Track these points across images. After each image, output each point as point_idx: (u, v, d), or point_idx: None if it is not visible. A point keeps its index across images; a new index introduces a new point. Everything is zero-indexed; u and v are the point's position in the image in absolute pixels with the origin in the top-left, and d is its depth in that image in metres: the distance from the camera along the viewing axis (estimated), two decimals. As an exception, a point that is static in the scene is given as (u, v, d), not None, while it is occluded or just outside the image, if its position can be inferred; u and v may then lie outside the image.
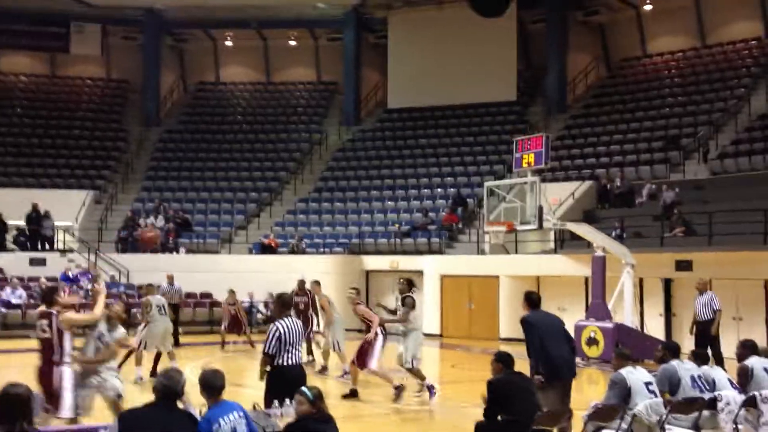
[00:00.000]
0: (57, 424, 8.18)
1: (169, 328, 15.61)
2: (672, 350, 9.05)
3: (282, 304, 8.86)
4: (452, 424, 11.29)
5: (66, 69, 37.64)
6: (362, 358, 12.63)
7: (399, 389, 12.44)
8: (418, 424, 11.42)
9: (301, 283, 17.02)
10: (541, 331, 8.88)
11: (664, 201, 22.43)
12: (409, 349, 12.79)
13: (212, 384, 6.00)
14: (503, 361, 8.03)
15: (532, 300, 9.31)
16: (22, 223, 27.37)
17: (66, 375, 8.45)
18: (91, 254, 27.00)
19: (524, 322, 9.02)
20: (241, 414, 5.95)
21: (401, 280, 13.15)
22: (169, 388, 5.68)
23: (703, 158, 24.86)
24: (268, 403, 7.82)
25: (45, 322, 8.52)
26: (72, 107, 35.90)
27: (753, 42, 29.77)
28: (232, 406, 5.98)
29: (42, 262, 26.34)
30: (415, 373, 12.90)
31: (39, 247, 27.29)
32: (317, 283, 16.46)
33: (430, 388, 12.75)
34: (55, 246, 27.62)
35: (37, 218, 27.15)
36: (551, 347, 8.78)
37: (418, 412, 11.96)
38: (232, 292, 21.03)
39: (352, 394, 12.69)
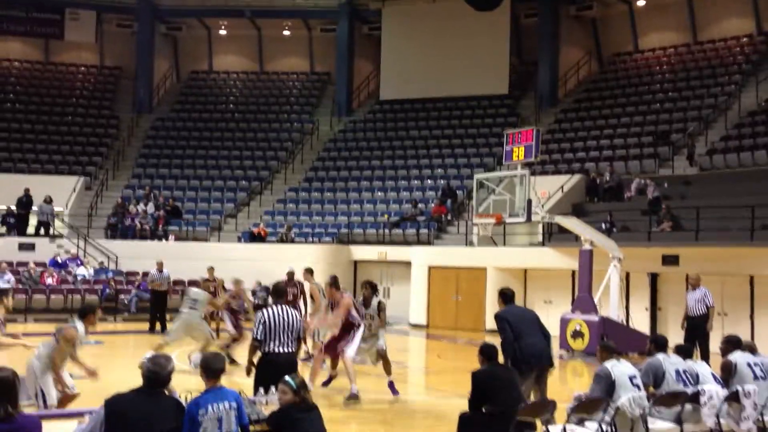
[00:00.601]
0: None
1: (192, 321, 14.82)
2: (659, 344, 9.10)
3: (273, 293, 8.92)
4: (437, 415, 11.36)
5: (60, 55, 37.54)
6: (342, 343, 11.80)
7: (355, 396, 11.65)
8: (403, 414, 11.48)
9: (290, 274, 17.00)
10: (514, 324, 9.10)
11: (650, 196, 22.57)
12: (383, 342, 12.39)
13: (211, 366, 6.05)
14: (487, 353, 8.11)
15: (506, 296, 9.57)
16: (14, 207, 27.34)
17: None
18: (81, 240, 26.98)
19: (497, 318, 9.23)
20: (234, 405, 5.93)
21: (366, 286, 12.34)
22: (156, 374, 5.72)
23: (688, 159, 24.92)
24: (255, 391, 7.89)
25: None
26: (65, 94, 35.84)
27: (744, 39, 29.90)
28: (226, 394, 5.96)
29: (31, 248, 26.33)
30: (386, 362, 12.43)
31: (28, 231, 27.26)
32: (309, 271, 15.94)
33: (392, 386, 12.23)
34: (51, 231, 27.57)
35: (27, 203, 27.11)
36: (524, 336, 9.03)
37: (403, 403, 12.02)
38: (211, 269, 20.31)
39: (330, 381, 12.44)
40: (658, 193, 22.45)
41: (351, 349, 11.76)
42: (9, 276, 23.84)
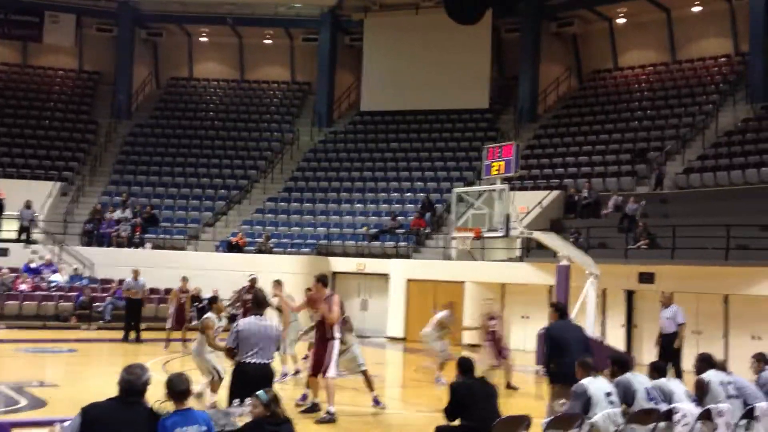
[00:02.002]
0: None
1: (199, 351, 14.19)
2: (620, 363, 9.12)
3: (253, 303, 8.86)
4: (413, 428, 11.33)
5: (38, 59, 37.24)
6: (325, 364, 11.28)
7: (331, 416, 11.26)
8: (379, 428, 11.43)
9: (253, 280, 16.95)
10: (557, 339, 9.59)
11: (625, 212, 22.70)
12: (360, 355, 12.60)
13: (175, 388, 5.91)
14: (464, 366, 8.12)
15: (559, 310, 10.18)
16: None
17: None
18: (56, 246, 26.73)
19: (546, 331, 9.48)
20: (203, 429, 5.75)
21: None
22: (130, 383, 5.63)
23: (657, 183, 24.92)
24: (229, 402, 7.84)
25: None
26: (42, 97, 35.51)
27: (722, 59, 30.23)
28: (197, 417, 5.81)
29: (4, 252, 26.04)
30: (367, 377, 12.45)
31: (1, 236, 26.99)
32: (278, 282, 15.01)
33: (377, 400, 12.22)
34: (30, 236, 27.28)
35: (-1, 206, 26.87)
36: (565, 354, 9.38)
37: (378, 415, 11.98)
38: (185, 279, 20.18)
39: (314, 409, 11.64)
40: (635, 209, 22.56)
41: (332, 369, 11.31)
42: (-18, 281, 23.61)
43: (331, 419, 11.11)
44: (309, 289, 15.21)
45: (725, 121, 26.88)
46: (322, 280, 11.71)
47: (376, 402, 12.23)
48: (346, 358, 12.27)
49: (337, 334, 11.43)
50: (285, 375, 14.90)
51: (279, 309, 14.74)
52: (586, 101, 32.20)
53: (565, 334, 9.75)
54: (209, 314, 11.96)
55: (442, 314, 15.86)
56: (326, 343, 11.33)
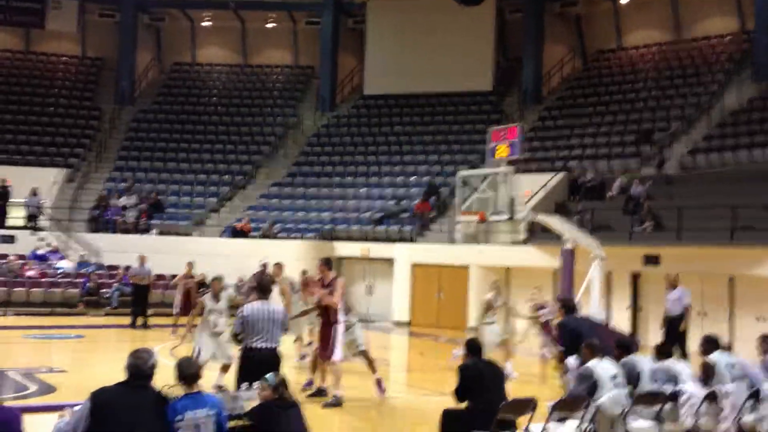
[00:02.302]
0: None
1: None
2: (623, 347, 9.17)
3: (258, 288, 8.90)
4: (419, 412, 11.38)
5: (41, 45, 37.19)
6: (330, 348, 11.33)
7: (338, 400, 11.38)
8: (385, 412, 11.49)
9: (264, 266, 16.95)
10: (574, 332, 9.81)
11: (630, 194, 22.65)
12: (360, 336, 12.36)
13: (185, 371, 5.96)
14: (471, 348, 8.16)
15: (566, 306, 10.47)
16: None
17: None
18: (62, 233, 26.80)
19: (559, 326, 9.55)
20: (213, 412, 5.81)
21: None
22: (137, 367, 5.68)
23: (658, 166, 24.82)
24: (237, 386, 7.90)
25: None
26: (46, 84, 35.47)
27: (728, 37, 29.99)
28: (206, 401, 5.85)
29: (11, 240, 26.12)
30: (369, 359, 12.34)
31: (9, 223, 27.08)
32: (278, 265, 15.30)
33: (380, 384, 12.11)
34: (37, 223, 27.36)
35: (3, 194, 26.90)
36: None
37: (386, 400, 12.01)
38: (190, 265, 20.03)
39: (320, 393, 11.74)
40: (640, 192, 22.49)
41: (338, 352, 11.35)
42: (-11, 268, 23.72)
43: (337, 403, 11.14)
44: (305, 272, 15.32)
45: (731, 100, 26.72)
46: (327, 263, 11.67)
47: (379, 385, 12.00)
48: (348, 340, 12.05)
49: (341, 318, 11.40)
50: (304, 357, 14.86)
51: (282, 293, 14.76)
52: (590, 82, 32.05)
53: (579, 328, 9.75)
54: (205, 296, 12.49)
55: (488, 296, 14.87)
56: (330, 327, 11.30)
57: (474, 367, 7.98)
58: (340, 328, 11.42)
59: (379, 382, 12.06)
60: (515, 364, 14.55)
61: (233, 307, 12.24)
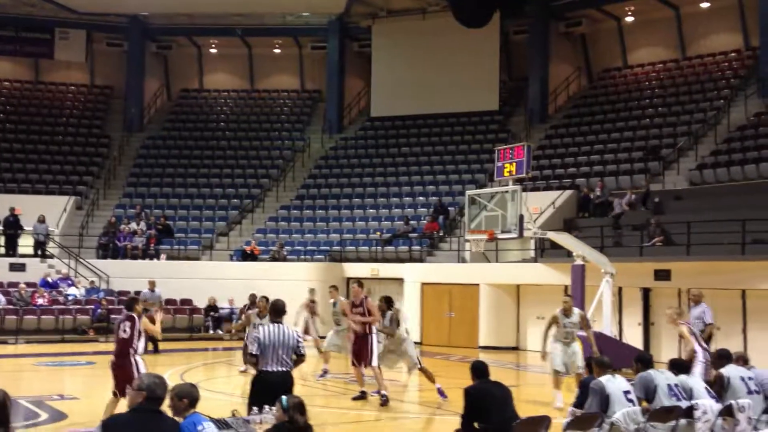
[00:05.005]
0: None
1: None
2: (644, 362, 9.09)
3: (271, 310, 8.90)
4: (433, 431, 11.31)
5: (50, 75, 37.52)
6: (367, 355, 12.91)
7: (385, 397, 12.75)
8: (399, 430, 11.43)
9: (252, 296, 17.15)
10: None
11: (615, 212, 22.89)
12: (414, 354, 13.88)
13: (194, 394, 5.93)
14: (477, 370, 8.09)
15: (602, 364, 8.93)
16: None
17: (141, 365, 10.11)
18: (72, 260, 26.87)
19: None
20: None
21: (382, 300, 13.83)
22: (153, 391, 5.65)
23: (643, 201, 24.73)
24: (248, 410, 7.85)
25: (128, 324, 10.30)
26: (55, 113, 35.77)
27: (732, 54, 30.08)
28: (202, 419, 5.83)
29: (22, 268, 26.18)
30: (426, 372, 13.82)
31: (19, 251, 27.14)
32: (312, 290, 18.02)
33: (441, 391, 13.40)
34: (46, 251, 27.42)
35: (15, 222, 26.99)
36: None
37: (398, 420, 11.97)
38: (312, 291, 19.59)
39: (362, 396, 13.24)
40: (621, 204, 22.55)
41: (375, 358, 12.97)
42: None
43: (386, 401, 12.59)
44: (312, 290, 18.47)
45: (737, 115, 26.74)
46: (359, 284, 13.66)
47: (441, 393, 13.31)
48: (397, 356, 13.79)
49: (374, 329, 13.15)
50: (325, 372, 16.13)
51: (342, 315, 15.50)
52: (596, 100, 32.11)
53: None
54: (250, 311, 15.29)
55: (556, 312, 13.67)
56: (366, 337, 12.97)
57: (480, 388, 7.91)
58: (375, 338, 13.06)
59: (440, 390, 13.39)
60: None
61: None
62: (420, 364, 13.86)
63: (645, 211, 23.18)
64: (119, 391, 9.92)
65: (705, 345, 12.26)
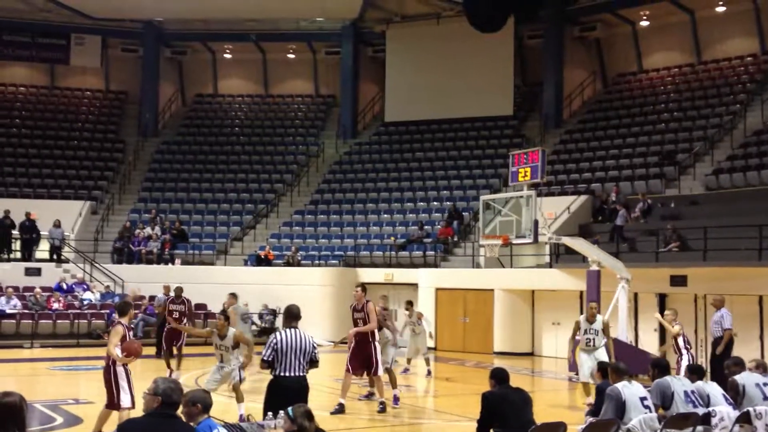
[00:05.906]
0: None
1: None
2: (660, 368, 9.02)
3: (285, 315, 8.85)
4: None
5: (66, 80, 37.72)
6: (373, 364, 12.69)
7: (383, 403, 12.69)
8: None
9: (179, 289, 17.83)
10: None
11: (615, 224, 22.89)
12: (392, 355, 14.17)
13: (207, 401, 5.95)
14: (498, 377, 8.05)
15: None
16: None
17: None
18: (87, 264, 26.97)
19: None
20: None
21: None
22: (169, 396, 5.65)
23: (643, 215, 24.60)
24: (264, 414, 7.83)
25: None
26: (71, 118, 35.95)
27: (749, 58, 29.91)
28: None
29: (37, 272, 26.30)
30: (391, 374, 13.80)
31: (35, 256, 27.27)
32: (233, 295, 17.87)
33: (396, 398, 13.25)
34: (61, 255, 27.54)
35: (30, 227, 27.12)
36: None
37: (412, 425, 11.94)
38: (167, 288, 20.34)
39: (341, 410, 12.49)
40: (624, 218, 22.60)
41: (380, 367, 12.80)
42: (15, 301, 23.86)
43: (396, 401, 12.91)
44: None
45: (753, 120, 26.58)
46: (363, 288, 13.45)
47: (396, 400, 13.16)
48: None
49: (376, 336, 12.97)
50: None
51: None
52: (611, 105, 31.98)
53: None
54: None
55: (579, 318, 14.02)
56: (368, 345, 12.73)
57: (498, 394, 7.88)
58: (378, 345, 12.87)
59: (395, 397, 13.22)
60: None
61: None
62: (390, 365, 14.11)
63: (644, 223, 23.10)
64: (108, 401, 9.85)
65: (692, 352, 13.31)
